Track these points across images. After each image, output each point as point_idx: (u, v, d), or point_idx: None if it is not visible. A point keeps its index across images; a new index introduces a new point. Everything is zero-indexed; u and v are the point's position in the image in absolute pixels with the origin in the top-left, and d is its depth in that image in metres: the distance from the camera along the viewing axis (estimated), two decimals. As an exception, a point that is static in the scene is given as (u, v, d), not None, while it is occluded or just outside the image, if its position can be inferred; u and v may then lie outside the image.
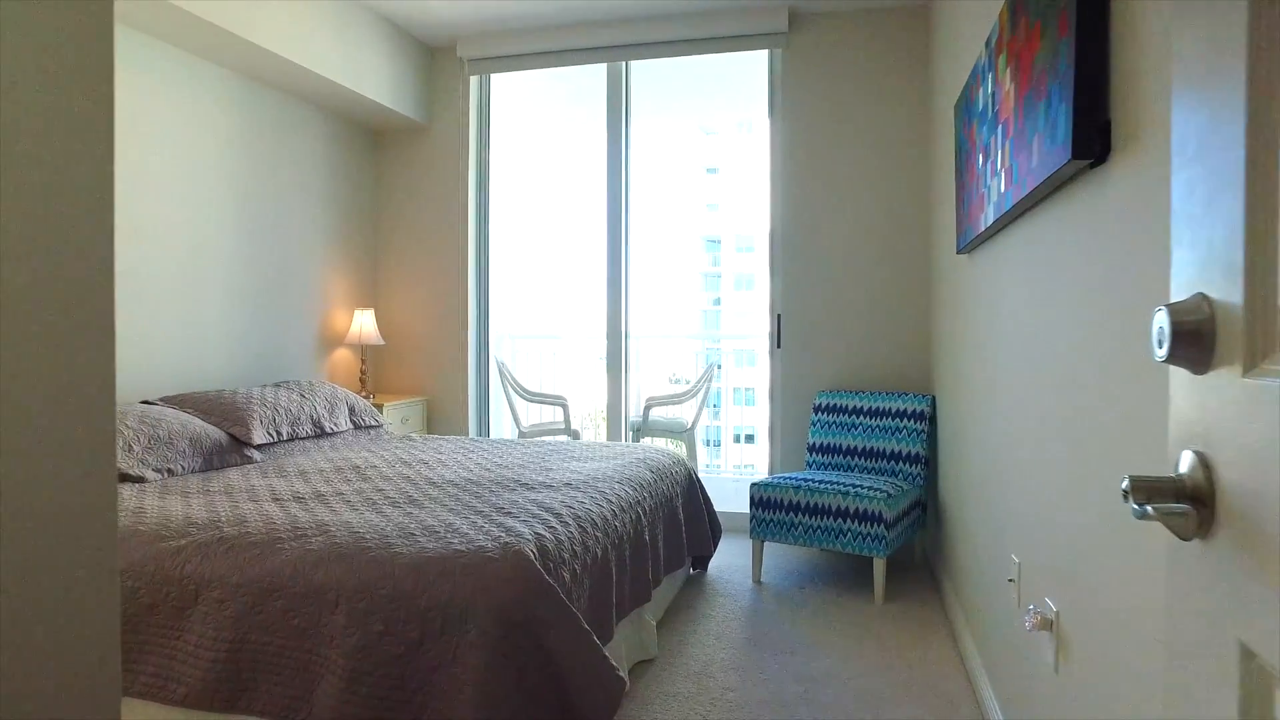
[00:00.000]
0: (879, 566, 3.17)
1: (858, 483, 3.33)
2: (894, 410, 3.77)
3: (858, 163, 4.11)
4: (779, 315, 4.27)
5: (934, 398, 3.74)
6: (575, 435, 4.95)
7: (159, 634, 1.89)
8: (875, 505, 3.17)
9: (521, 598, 1.69)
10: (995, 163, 2.05)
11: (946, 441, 3.32)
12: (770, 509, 3.42)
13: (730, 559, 3.80)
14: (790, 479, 3.43)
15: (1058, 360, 1.52)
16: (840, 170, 4.13)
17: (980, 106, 2.30)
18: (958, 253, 2.81)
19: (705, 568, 3.61)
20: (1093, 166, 1.32)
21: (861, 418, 3.86)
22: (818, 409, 3.99)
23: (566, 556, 1.94)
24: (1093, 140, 1.25)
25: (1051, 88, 1.41)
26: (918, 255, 4.04)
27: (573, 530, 2.06)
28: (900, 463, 3.68)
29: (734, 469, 7.49)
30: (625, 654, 2.38)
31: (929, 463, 3.69)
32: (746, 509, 4.31)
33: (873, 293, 4.10)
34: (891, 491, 3.25)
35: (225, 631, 1.80)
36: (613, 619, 2.15)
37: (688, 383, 5.77)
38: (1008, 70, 1.88)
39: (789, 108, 4.18)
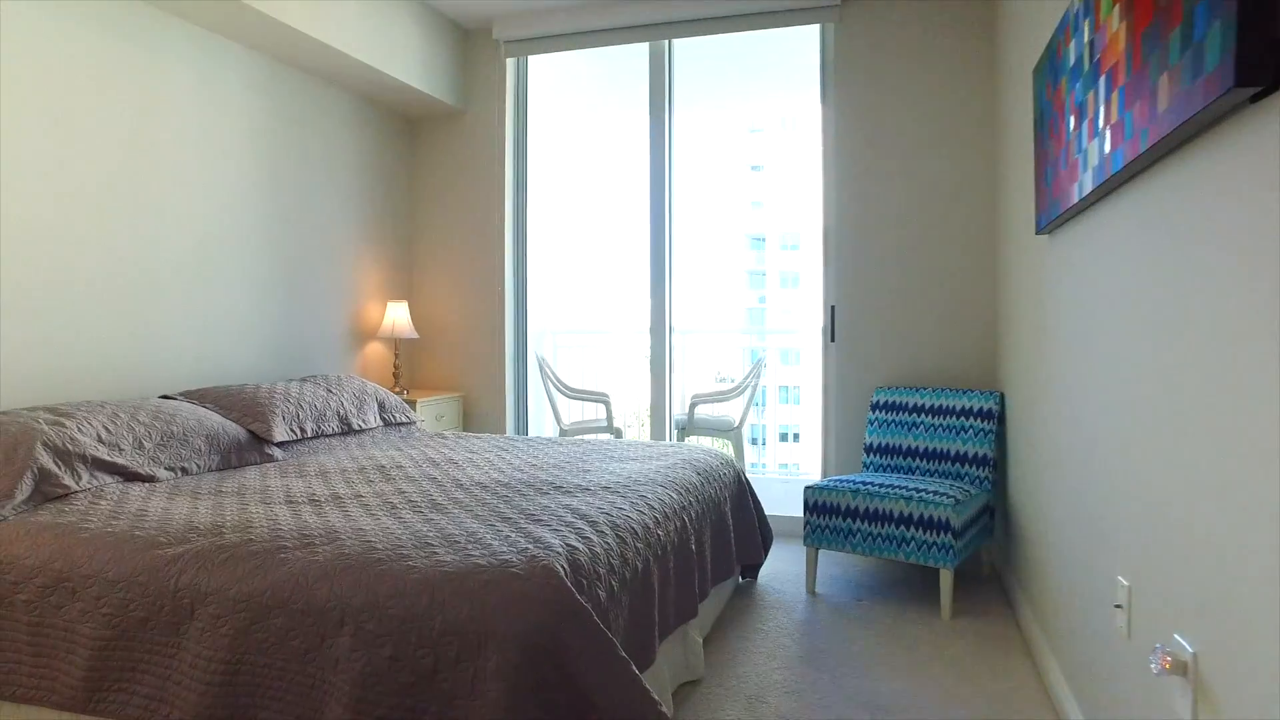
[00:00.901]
0: (946, 579, 2.89)
1: (922, 487, 3.06)
2: (958, 408, 3.48)
3: (917, 142, 3.82)
4: (833, 307, 4.00)
5: (1002, 395, 3.44)
6: (618, 433, 4.74)
7: (153, 652, 1.72)
8: (942, 511, 2.89)
9: (548, 621, 1.47)
10: (1095, 121, 1.77)
11: (1019, 442, 3.02)
12: (826, 514, 3.16)
13: (782, 567, 3.54)
14: (848, 482, 3.17)
15: (1200, 346, 1.25)
16: (898, 151, 3.84)
17: (1071, 61, 2.02)
18: (1037, 233, 2.52)
19: (755, 576, 3.37)
20: (1255, 99, 1.05)
21: (923, 416, 3.58)
22: (875, 406, 3.71)
23: (602, 571, 1.71)
24: (1263, 61, 0.98)
25: (1195, 9, 1.15)
26: (984, 240, 3.74)
27: (610, 540, 1.84)
28: (966, 465, 3.38)
29: (779, 468, 7.29)
30: (669, 676, 2.15)
31: (997, 465, 3.39)
32: (796, 512, 4.07)
33: (934, 282, 3.81)
34: (959, 497, 2.96)
35: (221, 651, 1.61)
36: (655, 640, 1.92)
37: (732, 380, 5.54)
38: (1115, 8, 1.60)
39: (842, 87, 3.91)
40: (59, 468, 2.23)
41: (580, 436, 4.47)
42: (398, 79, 3.92)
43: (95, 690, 1.78)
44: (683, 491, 2.46)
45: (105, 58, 2.85)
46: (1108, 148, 1.66)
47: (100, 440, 2.36)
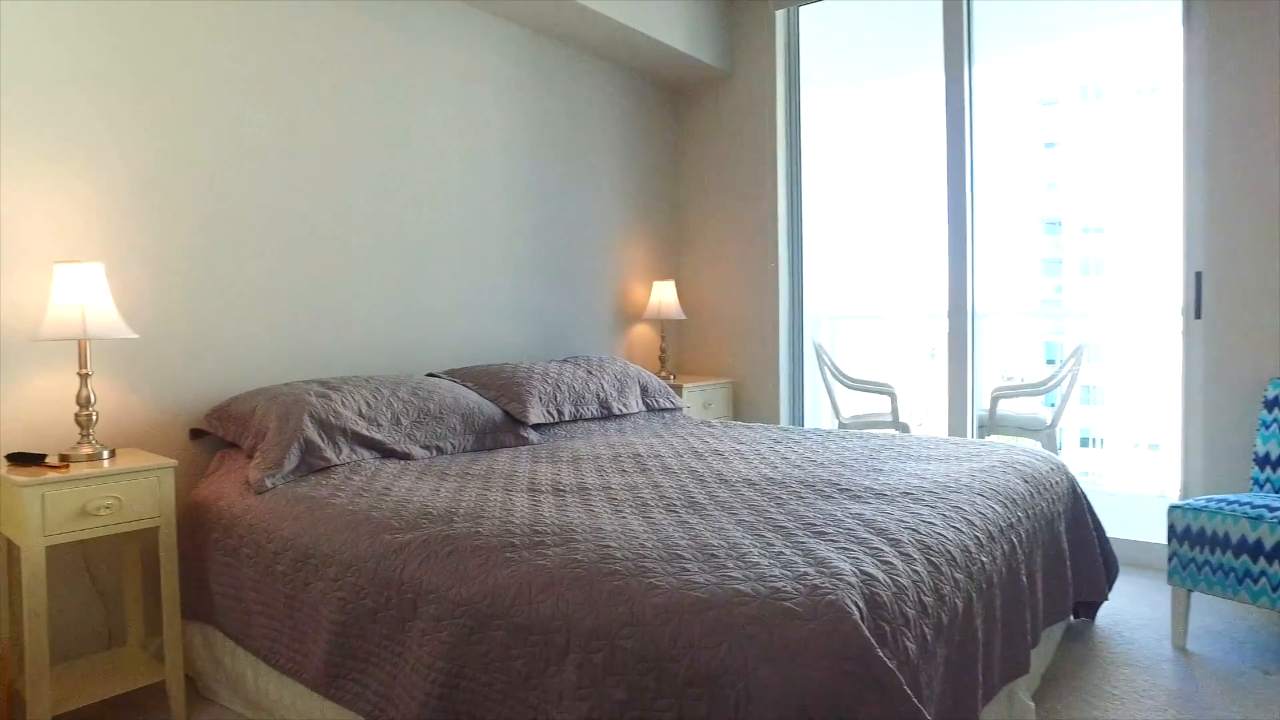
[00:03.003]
0: None
1: (1367, 518, 2.16)
2: None
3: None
4: (1198, 274, 3.09)
5: None
6: (904, 429, 4.13)
7: (382, 646, 1.54)
8: None
9: (836, 685, 1.03)
10: None
11: None
12: (1204, 545, 2.36)
13: (1125, 607, 2.76)
14: (1239, 504, 2.34)
15: None
16: (1313, 59, 2.83)
17: None
18: None
19: (1093, 616, 2.63)
20: None
21: (1351, 420, 2.59)
22: (1271, 404, 2.77)
23: (911, 613, 1.23)
24: None
25: None
26: None
27: (919, 569, 1.35)
28: None
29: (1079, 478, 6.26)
30: (993, 753, 1.61)
31: None
32: (1131, 535, 3.29)
33: (1370, 235, 2.76)
34: None
35: (441, 660, 1.38)
36: (978, 707, 1.40)
37: (1023, 379, 4.68)
38: None
39: (1225, -19, 2.97)
40: (323, 440, 2.19)
41: (864, 431, 3.93)
42: (661, 41, 3.65)
43: (335, 676, 1.65)
44: (1008, 504, 1.88)
45: (368, 42, 2.85)
46: None
47: (360, 415, 2.31)
